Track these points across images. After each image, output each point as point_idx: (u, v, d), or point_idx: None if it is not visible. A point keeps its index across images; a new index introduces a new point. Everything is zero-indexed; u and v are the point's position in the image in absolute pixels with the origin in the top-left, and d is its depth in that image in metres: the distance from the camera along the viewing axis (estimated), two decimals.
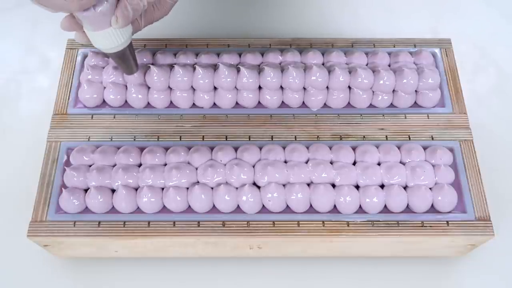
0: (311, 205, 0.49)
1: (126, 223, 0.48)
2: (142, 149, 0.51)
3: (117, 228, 0.48)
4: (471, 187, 0.50)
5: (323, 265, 0.53)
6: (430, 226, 0.48)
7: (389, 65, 0.56)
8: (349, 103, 0.55)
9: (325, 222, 0.48)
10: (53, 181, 0.50)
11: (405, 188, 0.49)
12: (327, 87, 0.54)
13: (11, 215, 0.55)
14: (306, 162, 0.50)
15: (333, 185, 0.49)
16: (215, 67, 0.54)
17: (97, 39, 0.43)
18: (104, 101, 0.55)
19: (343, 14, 0.70)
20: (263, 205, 0.49)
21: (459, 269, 0.54)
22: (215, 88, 0.54)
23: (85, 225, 0.48)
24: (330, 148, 0.51)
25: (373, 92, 0.54)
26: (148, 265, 0.53)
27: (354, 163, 0.51)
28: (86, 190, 0.49)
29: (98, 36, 0.43)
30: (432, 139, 0.53)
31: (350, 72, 0.53)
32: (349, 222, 0.48)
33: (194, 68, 0.53)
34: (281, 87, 0.54)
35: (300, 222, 0.48)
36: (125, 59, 0.47)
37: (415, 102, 0.55)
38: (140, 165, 0.51)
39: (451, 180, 0.50)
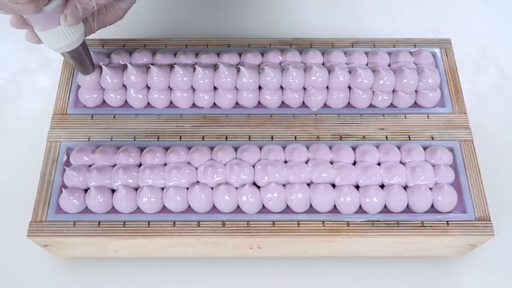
0: (311, 205, 0.49)
1: (126, 223, 0.48)
2: (142, 149, 0.51)
3: (117, 228, 0.48)
4: (471, 187, 0.50)
5: (323, 265, 0.53)
6: (430, 226, 0.48)
7: (389, 65, 0.56)
8: (349, 103, 0.55)
9: (325, 222, 0.48)
10: (53, 181, 0.50)
11: (405, 188, 0.49)
12: (327, 87, 0.54)
13: (11, 215, 0.55)
14: (306, 162, 0.50)
15: (333, 185, 0.49)
16: (215, 67, 0.54)
17: (47, 38, 0.42)
18: (104, 101, 0.55)
19: (343, 14, 0.70)
20: (263, 205, 0.49)
21: (459, 269, 0.54)
22: (215, 88, 0.54)
23: (85, 225, 0.48)
24: (330, 148, 0.51)
25: (373, 92, 0.54)
26: (148, 265, 0.53)
27: (354, 163, 0.51)
28: (86, 190, 0.49)
29: (48, 36, 0.42)
30: (432, 139, 0.53)
31: (350, 72, 0.53)
32: (349, 222, 0.48)
33: (194, 68, 0.53)
34: (281, 87, 0.54)
35: (300, 222, 0.48)
36: (80, 59, 0.46)
37: (415, 102, 0.55)
38: (140, 165, 0.51)
39: (451, 180, 0.50)
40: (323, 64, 0.55)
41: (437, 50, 0.58)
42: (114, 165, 0.50)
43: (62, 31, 0.42)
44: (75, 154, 0.51)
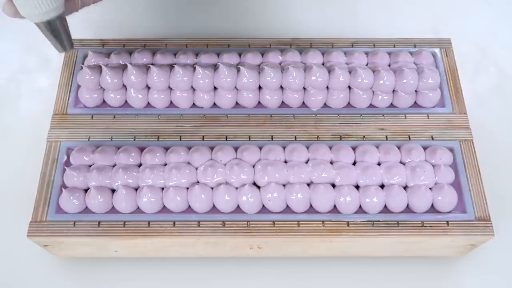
0: (311, 205, 0.49)
1: (126, 223, 0.48)
2: (142, 149, 0.51)
3: (117, 228, 0.48)
4: (471, 187, 0.50)
5: (323, 265, 0.53)
6: (430, 226, 0.48)
7: (389, 65, 0.56)
8: (349, 103, 0.55)
9: (325, 222, 0.48)
10: (53, 181, 0.50)
11: (405, 188, 0.49)
12: (327, 87, 0.54)
13: (11, 215, 0.55)
14: (306, 162, 0.50)
15: (333, 185, 0.49)
16: (215, 67, 0.54)
17: (23, 3, 0.40)
18: (104, 101, 0.55)
19: (343, 14, 0.70)
20: (263, 205, 0.49)
21: (459, 269, 0.54)
22: (215, 88, 0.54)
23: (85, 225, 0.48)
24: (330, 148, 0.51)
25: (373, 92, 0.54)
26: (148, 265, 0.53)
27: (354, 163, 0.51)
28: (86, 190, 0.49)
29: (24, 0, 0.40)
30: (432, 139, 0.53)
31: (350, 72, 0.53)
32: (349, 222, 0.48)
33: (194, 68, 0.53)
34: (281, 87, 0.54)
35: (300, 222, 0.48)
36: (56, 34, 0.43)
37: (415, 102, 0.55)
38: (140, 165, 0.51)
39: (451, 180, 0.50)
40: (323, 64, 0.55)
41: (437, 50, 0.58)
42: (114, 165, 0.50)
43: None
44: (75, 154, 0.51)
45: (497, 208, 0.53)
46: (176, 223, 0.48)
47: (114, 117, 0.54)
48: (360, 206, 0.49)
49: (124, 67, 0.53)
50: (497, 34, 0.69)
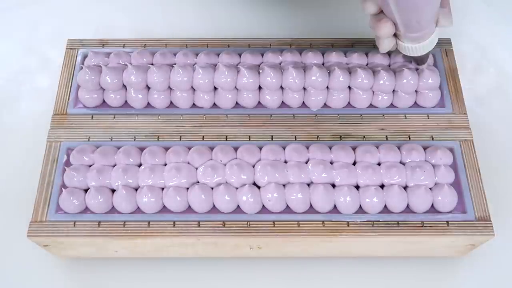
0: (311, 205, 0.49)
1: (126, 223, 0.48)
2: (142, 149, 0.51)
3: (117, 228, 0.48)
4: (471, 187, 0.50)
5: (323, 265, 0.53)
6: (430, 226, 0.48)
7: (389, 65, 0.56)
8: (349, 103, 0.55)
9: (325, 222, 0.48)
10: (53, 181, 0.50)
11: (405, 188, 0.49)
12: (327, 87, 0.54)
13: (11, 215, 0.55)
14: (306, 162, 0.50)
15: (333, 185, 0.49)
16: (215, 67, 0.54)
17: (418, 48, 0.49)
18: (104, 101, 0.55)
19: (343, 14, 0.70)
20: (263, 205, 0.49)
21: (459, 269, 0.54)
22: (215, 88, 0.54)
23: (85, 225, 0.48)
24: (330, 148, 0.51)
25: (373, 92, 0.54)
26: (148, 265, 0.53)
27: (354, 163, 0.51)
28: (86, 190, 0.49)
29: (420, 47, 0.49)
30: (432, 139, 0.53)
31: (350, 72, 0.53)
32: (349, 222, 0.48)
33: (194, 68, 0.53)
34: (281, 87, 0.54)
35: (300, 222, 0.48)
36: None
37: (415, 102, 0.55)
38: (140, 165, 0.51)
39: (451, 180, 0.50)
40: (323, 64, 0.55)
41: (437, 50, 0.58)
42: (114, 165, 0.50)
43: (434, 38, 0.49)
44: (75, 154, 0.51)
45: (497, 208, 0.53)
46: (176, 223, 0.48)
47: (114, 117, 0.54)
48: (360, 206, 0.49)
49: (124, 67, 0.54)
50: (497, 34, 0.69)
